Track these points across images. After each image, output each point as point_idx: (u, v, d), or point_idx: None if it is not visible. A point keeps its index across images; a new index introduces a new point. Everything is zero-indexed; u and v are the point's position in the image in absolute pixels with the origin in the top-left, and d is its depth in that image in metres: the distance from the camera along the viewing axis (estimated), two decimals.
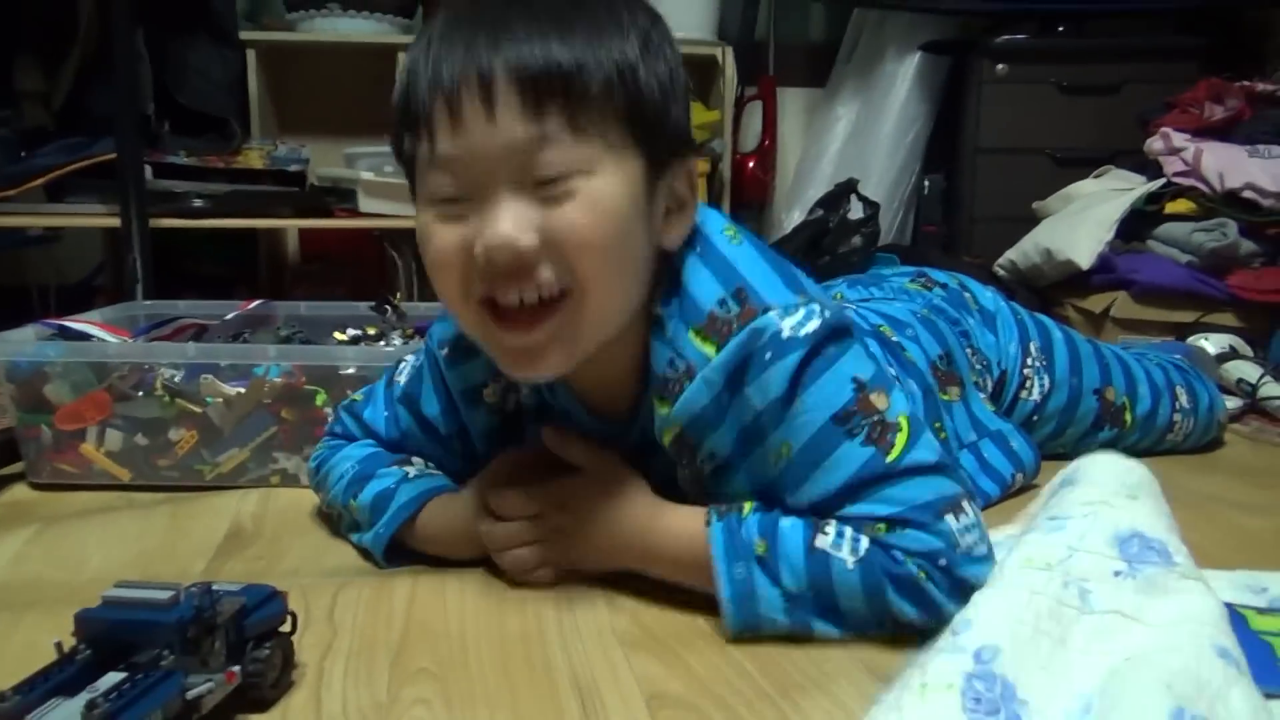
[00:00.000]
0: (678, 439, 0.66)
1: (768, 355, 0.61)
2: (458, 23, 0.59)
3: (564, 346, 0.62)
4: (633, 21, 0.60)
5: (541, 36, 0.57)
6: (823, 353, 0.61)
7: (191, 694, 0.48)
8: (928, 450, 0.61)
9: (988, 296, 1.03)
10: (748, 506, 0.64)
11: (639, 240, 0.62)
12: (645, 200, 0.61)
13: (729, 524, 0.62)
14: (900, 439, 0.61)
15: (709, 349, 0.62)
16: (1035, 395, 0.99)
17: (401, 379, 0.80)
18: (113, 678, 0.47)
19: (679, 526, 0.65)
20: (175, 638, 0.49)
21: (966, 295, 1.01)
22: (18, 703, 0.45)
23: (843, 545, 0.59)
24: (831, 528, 0.60)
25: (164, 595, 0.50)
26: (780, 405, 0.61)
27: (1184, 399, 1.06)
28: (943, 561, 0.58)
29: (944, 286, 1.02)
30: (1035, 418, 0.99)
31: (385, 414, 0.80)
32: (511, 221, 0.57)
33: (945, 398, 0.88)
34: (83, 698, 0.45)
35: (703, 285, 0.64)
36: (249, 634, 0.53)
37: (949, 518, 0.59)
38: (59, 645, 0.50)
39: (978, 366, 0.95)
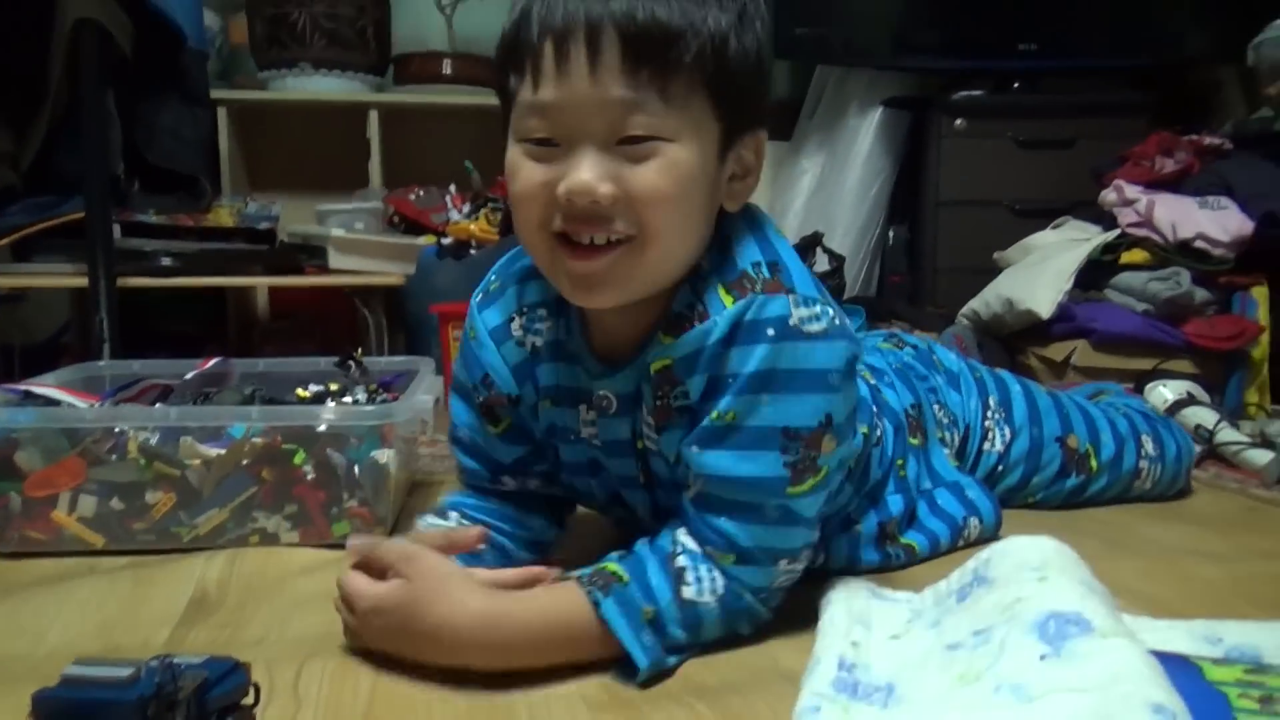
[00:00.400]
0: (665, 370, 0.69)
1: (769, 331, 0.65)
2: None
3: (621, 283, 0.67)
4: None
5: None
6: (825, 375, 0.66)
7: None
8: (814, 504, 0.69)
9: (951, 359, 1.07)
10: (617, 570, 0.67)
11: (704, 201, 0.67)
12: (716, 165, 0.66)
13: (619, 598, 0.65)
14: (810, 482, 0.68)
15: (728, 301, 0.67)
16: (998, 446, 1.02)
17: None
18: None
19: (546, 611, 0.65)
20: (136, 717, 0.49)
21: (934, 357, 1.06)
22: None
23: (704, 590, 0.67)
24: (689, 571, 0.67)
25: (123, 673, 0.50)
26: (752, 380, 0.66)
27: (1150, 446, 1.09)
28: (763, 595, 0.70)
29: (914, 348, 1.07)
30: (1000, 468, 1.03)
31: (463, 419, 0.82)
32: (593, 171, 0.62)
33: (912, 442, 0.92)
34: None
35: (744, 250, 0.69)
36: (210, 709, 0.53)
37: (783, 562, 0.69)
38: None
39: (945, 421, 0.99)
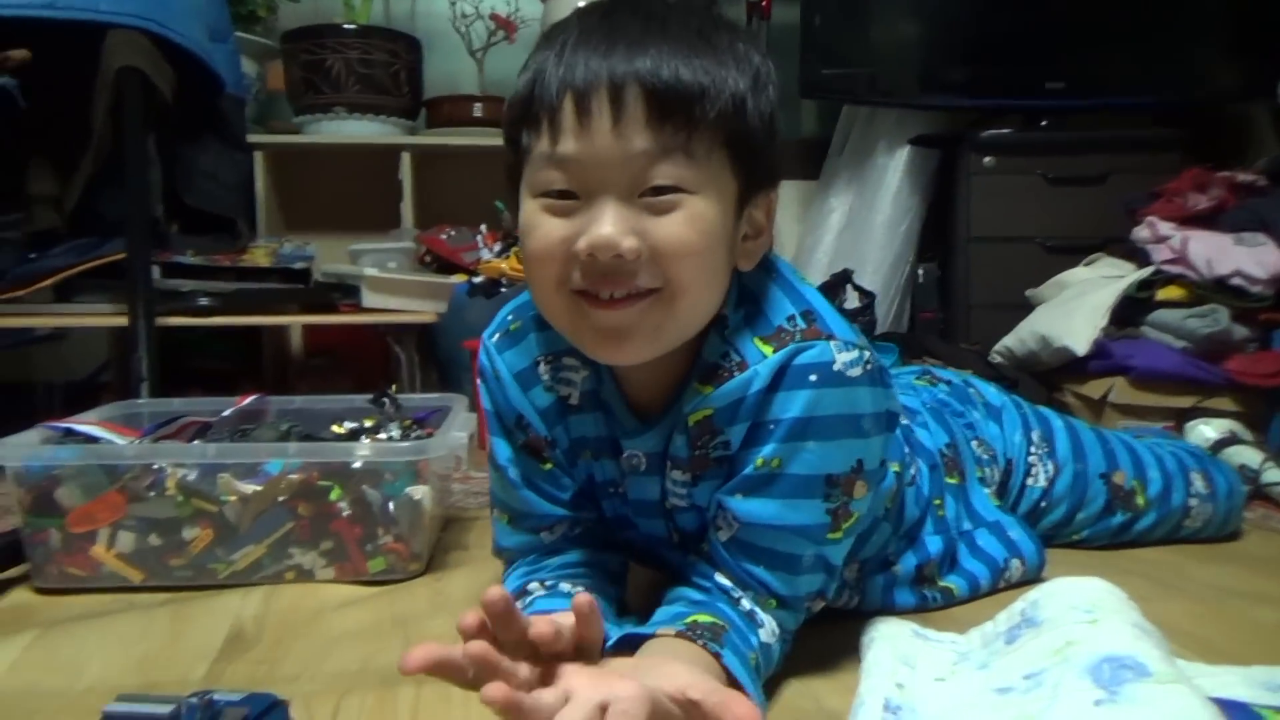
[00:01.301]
0: (705, 421, 0.68)
1: (812, 377, 0.65)
2: (593, 33, 0.63)
3: (650, 335, 0.65)
4: (748, 58, 0.65)
5: (673, 57, 0.61)
6: (860, 420, 0.66)
7: None
8: (845, 549, 0.70)
9: (992, 392, 1.05)
10: (714, 619, 0.64)
11: (724, 257, 0.66)
12: (733, 222, 0.66)
13: (733, 648, 0.62)
14: (845, 527, 0.68)
15: (767, 350, 0.67)
16: (1041, 481, 1.00)
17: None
18: None
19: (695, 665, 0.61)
20: None
21: (971, 390, 1.04)
22: None
23: (768, 632, 0.67)
24: (757, 614, 0.67)
25: (164, 710, 0.50)
26: (795, 426, 0.65)
27: (1199, 484, 1.06)
28: (796, 631, 0.71)
29: (949, 383, 1.05)
30: (1044, 504, 1.01)
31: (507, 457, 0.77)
32: (616, 225, 0.61)
33: (950, 481, 0.90)
34: None
35: (776, 304, 0.69)
36: None
37: (810, 604, 0.71)
38: None
39: (985, 457, 0.97)
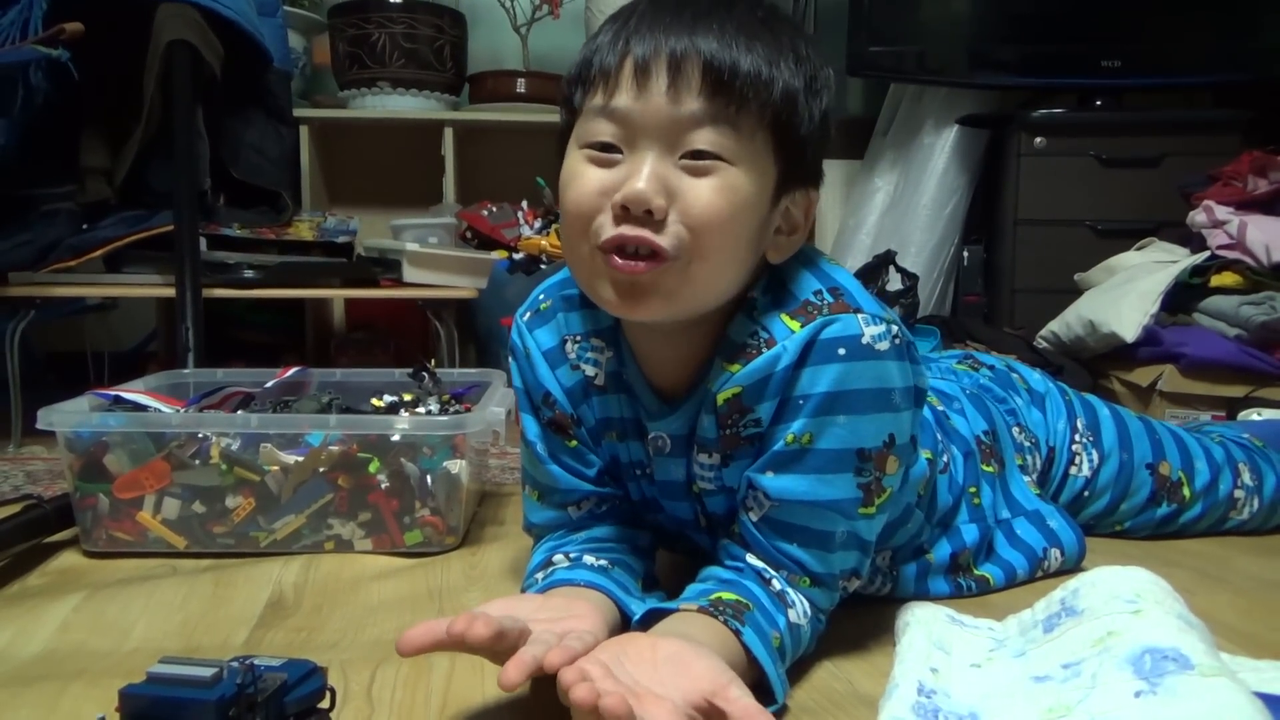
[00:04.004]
0: (734, 399, 0.68)
1: (840, 350, 0.65)
2: (662, 8, 0.65)
3: (665, 296, 0.65)
4: (807, 58, 0.66)
5: (735, 37, 0.63)
6: (890, 394, 0.66)
7: None
8: (878, 525, 0.70)
9: (1036, 378, 1.04)
10: (739, 598, 0.64)
11: (752, 236, 0.66)
12: (768, 208, 0.66)
13: (754, 626, 0.62)
14: (878, 503, 0.68)
15: (794, 325, 0.66)
16: (1085, 471, 0.99)
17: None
18: None
19: (713, 643, 0.60)
20: (217, 717, 0.49)
21: (1014, 376, 1.02)
22: None
23: (800, 613, 0.67)
24: (788, 594, 0.67)
25: (207, 673, 0.51)
26: (825, 401, 0.65)
27: (1247, 476, 1.04)
28: (832, 609, 0.71)
29: (991, 368, 1.03)
30: (1086, 493, 0.99)
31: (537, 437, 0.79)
32: (650, 183, 0.62)
33: (987, 469, 0.89)
34: None
35: (801, 282, 0.69)
36: (288, 711, 0.53)
37: (846, 582, 0.71)
38: None
39: (1026, 444, 0.95)
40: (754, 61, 0.63)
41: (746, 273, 0.68)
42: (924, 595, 0.81)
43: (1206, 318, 1.62)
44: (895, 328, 0.67)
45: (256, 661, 0.54)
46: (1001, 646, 0.69)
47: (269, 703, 0.52)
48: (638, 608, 0.66)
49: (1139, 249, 1.85)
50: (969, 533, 0.85)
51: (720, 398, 0.68)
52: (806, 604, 0.67)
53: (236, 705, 0.50)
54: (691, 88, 0.62)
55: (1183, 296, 1.66)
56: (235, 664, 0.52)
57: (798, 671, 0.67)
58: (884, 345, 0.66)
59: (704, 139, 0.63)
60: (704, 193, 0.63)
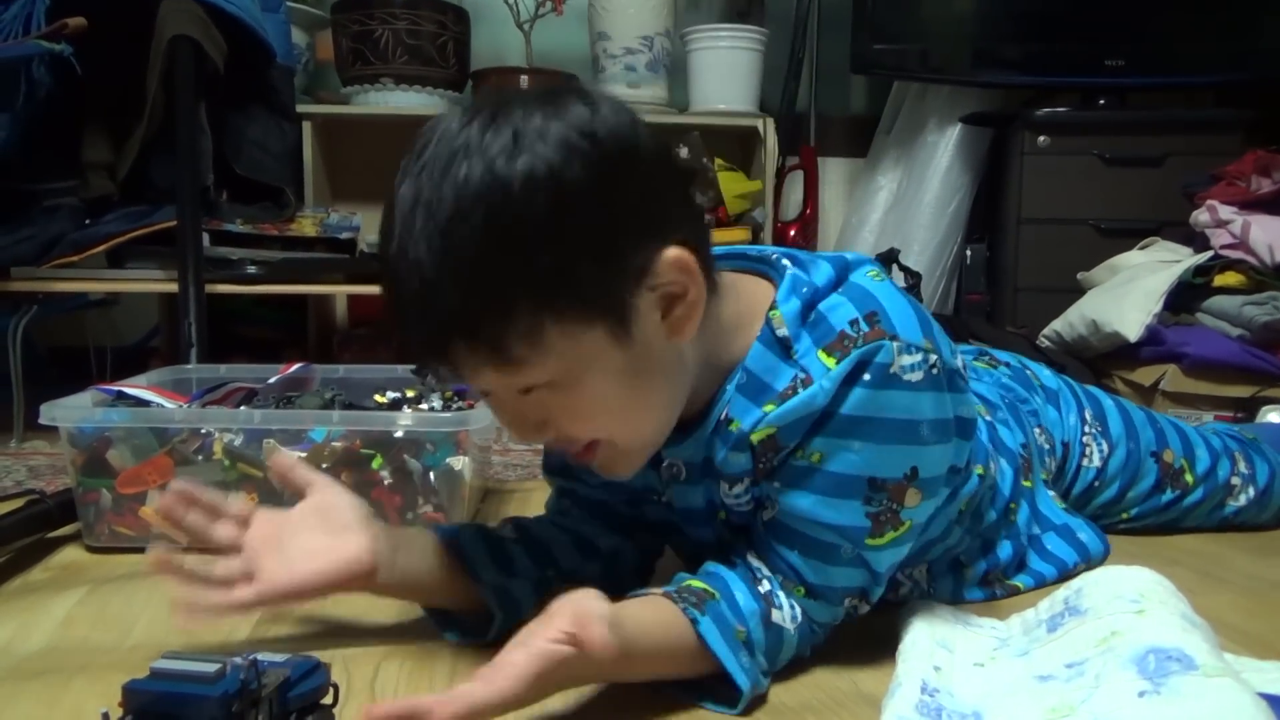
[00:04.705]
0: (769, 439, 0.65)
1: (866, 376, 0.62)
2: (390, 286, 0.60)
3: (625, 460, 0.66)
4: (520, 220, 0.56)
5: (436, 300, 0.57)
6: (917, 426, 0.64)
7: None
8: (891, 557, 0.67)
9: (1047, 374, 1.03)
10: (706, 588, 0.64)
11: (641, 373, 0.62)
12: (625, 346, 0.60)
13: (714, 615, 0.62)
14: (891, 535, 0.66)
15: (830, 362, 0.63)
16: (1095, 461, 0.99)
17: None
18: None
19: (649, 621, 0.61)
20: (220, 712, 0.49)
21: (1029, 373, 1.01)
22: None
23: (786, 616, 0.65)
24: (775, 595, 0.66)
25: (210, 669, 0.51)
26: (843, 423, 0.63)
27: (1243, 465, 1.05)
28: (831, 627, 0.69)
29: (1007, 365, 1.02)
30: (1097, 483, 0.99)
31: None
32: (521, 422, 0.63)
33: (1025, 484, 0.89)
34: None
35: (838, 309, 0.65)
36: (291, 707, 0.53)
37: (849, 601, 0.68)
38: (105, 716, 0.50)
39: (1046, 447, 0.95)
40: (462, 303, 0.56)
41: (678, 372, 0.64)
42: (959, 601, 0.81)
43: (1209, 317, 1.62)
44: (934, 356, 0.64)
45: (259, 657, 0.54)
46: (1005, 645, 0.69)
47: (272, 699, 0.52)
48: (488, 576, 0.70)
49: (1142, 248, 1.85)
50: (1004, 550, 0.84)
51: (754, 437, 0.66)
52: (798, 610, 0.66)
53: (240, 701, 0.50)
54: (457, 365, 0.59)
55: (1186, 296, 1.66)
56: (239, 660, 0.52)
57: (799, 669, 0.67)
58: (916, 375, 0.63)
59: (520, 383, 0.60)
60: (560, 415, 0.62)
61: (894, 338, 0.63)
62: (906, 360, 0.63)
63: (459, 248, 0.55)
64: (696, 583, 0.65)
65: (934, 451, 0.65)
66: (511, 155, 0.55)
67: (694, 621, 0.61)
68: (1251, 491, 1.05)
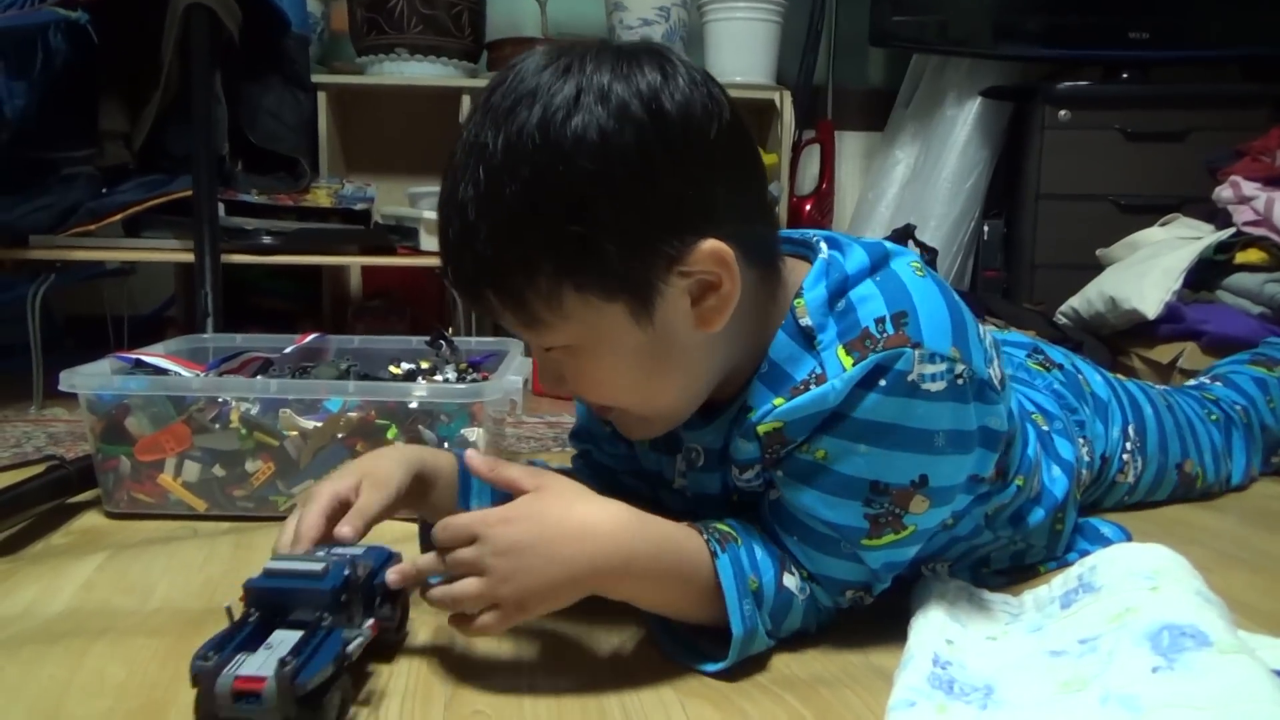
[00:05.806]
0: (775, 433, 0.64)
1: (882, 382, 0.61)
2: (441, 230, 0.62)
3: (641, 426, 0.68)
4: (562, 188, 0.56)
5: (472, 245, 0.59)
6: (931, 436, 0.62)
7: (349, 647, 0.56)
8: (885, 558, 0.66)
9: (1099, 382, 0.99)
10: (732, 531, 0.65)
11: (660, 363, 0.62)
12: (644, 327, 0.60)
13: (733, 556, 0.62)
14: (889, 538, 0.65)
15: (848, 361, 0.61)
16: (1130, 478, 0.99)
17: None
18: (283, 635, 0.55)
19: (673, 538, 0.62)
20: (331, 601, 0.57)
21: (1080, 379, 0.98)
22: (216, 660, 0.52)
23: (795, 583, 0.65)
24: (790, 561, 0.66)
25: (317, 566, 0.58)
26: (853, 426, 0.62)
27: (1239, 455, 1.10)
28: (834, 611, 0.69)
29: (1060, 368, 0.99)
30: (1126, 498, 1.01)
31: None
32: (544, 374, 0.66)
33: (1076, 495, 0.87)
34: (266, 655, 0.52)
35: (869, 302, 0.63)
36: (377, 592, 0.62)
37: (849, 593, 0.68)
38: (229, 610, 0.57)
39: (1086, 459, 0.92)
40: (495, 258, 0.58)
41: (705, 360, 0.64)
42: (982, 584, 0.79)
43: (1230, 295, 1.61)
44: (961, 366, 0.62)
45: (346, 551, 0.62)
46: (1017, 620, 0.69)
47: (363, 586, 0.61)
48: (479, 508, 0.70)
49: (1163, 225, 1.83)
50: (1034, 555, 0.82)
51: (761, 429, 0.64)
52: (806, 585, 0.66)
53: (346, 592, 0.59)
54: (490, 310, 0.62)
55: (1206, 273, 1.64)
56: (337, 557, 0.60)
57: (811, 642, 0.68)
58: (936, 385, 0.61)
59: (543, 339, 0.63)
60: (581, 381, 0.64)
61: (917, 345, 0.61)
62: (928, 369, 0.61)
63: (500, 199, 0.57)
64: (724, 526, 0.65)
65: (949, 461, 0.63)
66: (570, 113, 0.56)
67: (714, 555, 0.62)
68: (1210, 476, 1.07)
